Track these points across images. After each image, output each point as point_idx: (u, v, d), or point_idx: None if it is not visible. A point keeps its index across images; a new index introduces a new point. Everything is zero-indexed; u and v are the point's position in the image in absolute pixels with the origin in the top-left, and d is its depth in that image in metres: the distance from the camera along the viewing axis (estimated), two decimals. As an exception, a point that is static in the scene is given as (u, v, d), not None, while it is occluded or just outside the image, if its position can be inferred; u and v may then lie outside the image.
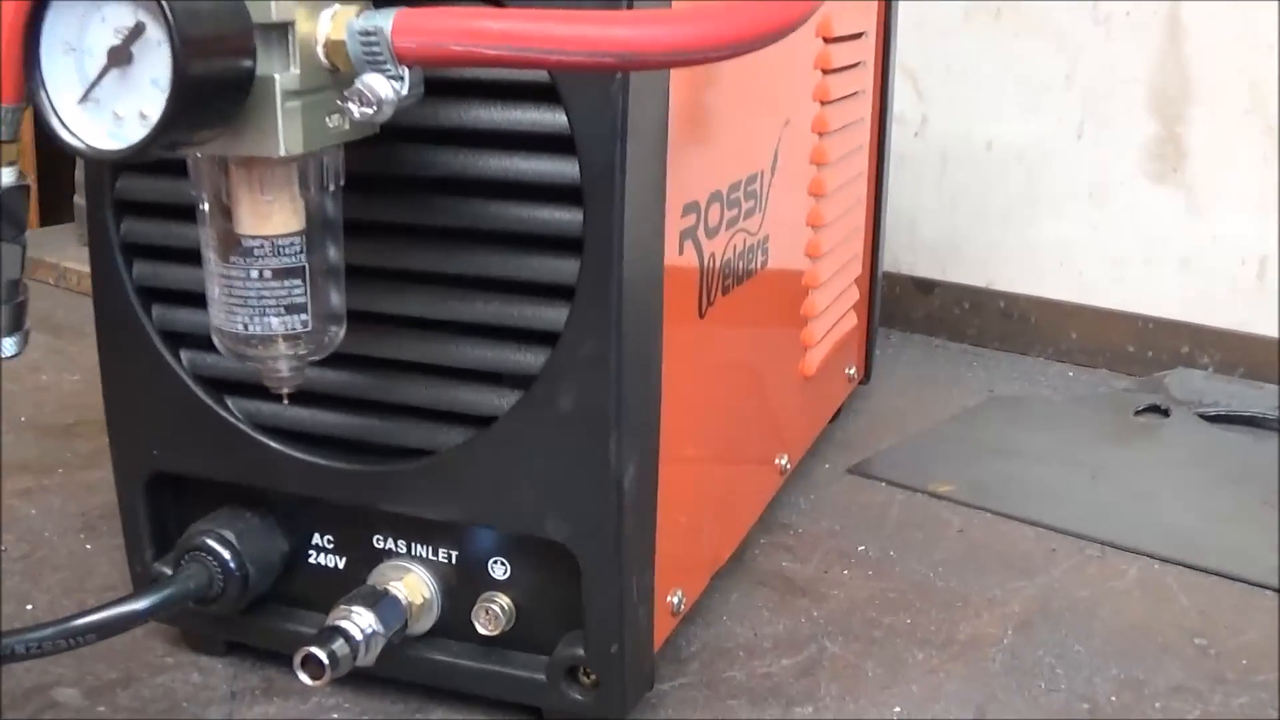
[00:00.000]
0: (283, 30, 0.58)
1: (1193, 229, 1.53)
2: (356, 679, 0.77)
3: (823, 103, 1.03)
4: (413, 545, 0.77)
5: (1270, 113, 1.45)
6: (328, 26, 0.59)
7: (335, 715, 0.79)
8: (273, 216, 0.62)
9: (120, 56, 0.55)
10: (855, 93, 1.14)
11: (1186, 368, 1.53)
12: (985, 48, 1.61)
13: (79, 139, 0.56)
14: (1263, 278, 1.49)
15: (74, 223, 1.78)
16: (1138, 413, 1.40)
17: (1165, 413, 1.40)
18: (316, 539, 0.79)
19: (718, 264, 0.82)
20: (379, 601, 0.74)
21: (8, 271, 0.66)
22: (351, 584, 0.77)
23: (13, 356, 0.67)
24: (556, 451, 0.70)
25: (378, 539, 0.77)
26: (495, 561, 0.76)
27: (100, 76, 0.56)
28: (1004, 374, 1.55)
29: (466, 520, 0.74)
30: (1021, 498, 1.15)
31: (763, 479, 1.03)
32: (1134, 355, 1.57)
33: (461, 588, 0.77)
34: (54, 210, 1.95)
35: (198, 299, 0.67)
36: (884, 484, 1.18)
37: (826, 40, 1.02)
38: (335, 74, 0.60)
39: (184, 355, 0.77)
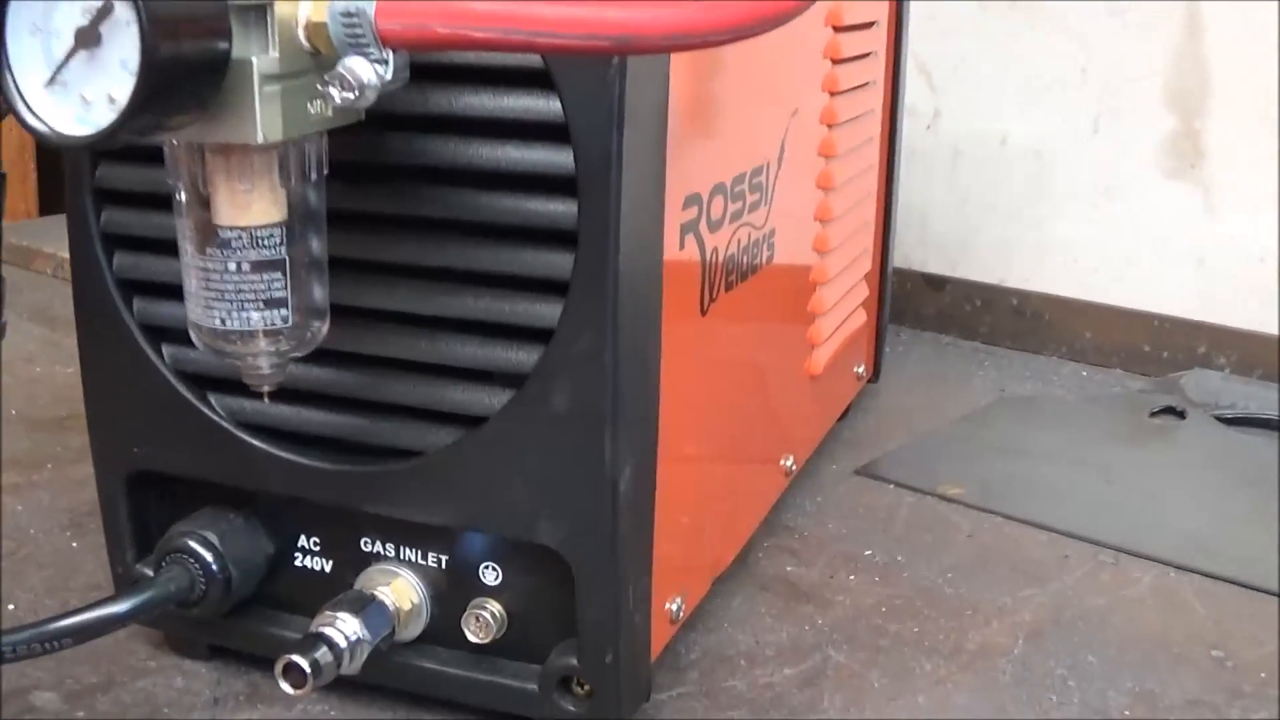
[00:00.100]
0: (261, 11, 0.55)
1: (1210, 226, 1.50)
2: (343, 685, 0.74)
3: (832, 93, 1.01)
4: (401, 549, 0.74)
5: (1291, 109, 1.42)
6: (308, 7, 0.56)
7: (320, 723, 0.77)
8: (251, 206, 0.59)
9: (88, 37, 0.52)
10: (866, 84, 1.12)
11: (1203, 368, 1.50)
12: (999, 40, 1.58)
13: (44, 124, 0.54)
14: (1282, 277, 1.46)
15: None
16: (1153, 414, 1.38)
17: (1181, 414, 1.37)
18: (302, 541, 0.77)
19: (721, 259, 0.79)
20: (365, 607, 0.71)
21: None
22: (338, 587, 0.74)
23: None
24: (550, 453, 0.68)
25: (365, 542, 0.75)
26: (486, 566, 0.73)
27: (67, 58, 0.53)
28: (1016, 373, 1.53)
29: (456, 524, 0.71)
30: (1033, 501, 1.12)
31: (767, 480, 1.00)
32: (1149, 355, 1.54)
33: (451, 593, 0.74)
34: (54, 200, 1.93)
35: (180, 292, 0.64)
36: (892, 485, 1.15)
37: (836, 29, 0.99)
38: (317, 57, 0.57)
39: (165, 350, 0.74)
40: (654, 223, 0.68)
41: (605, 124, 0.63)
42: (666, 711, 0.79)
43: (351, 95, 0.56)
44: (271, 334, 0.62)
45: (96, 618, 0.70)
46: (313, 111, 0.58)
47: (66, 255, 0.76)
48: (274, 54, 0.55)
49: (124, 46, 0.52)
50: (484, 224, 0.66)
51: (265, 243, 0.60)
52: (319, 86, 0.57)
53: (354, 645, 0.69)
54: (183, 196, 0.60)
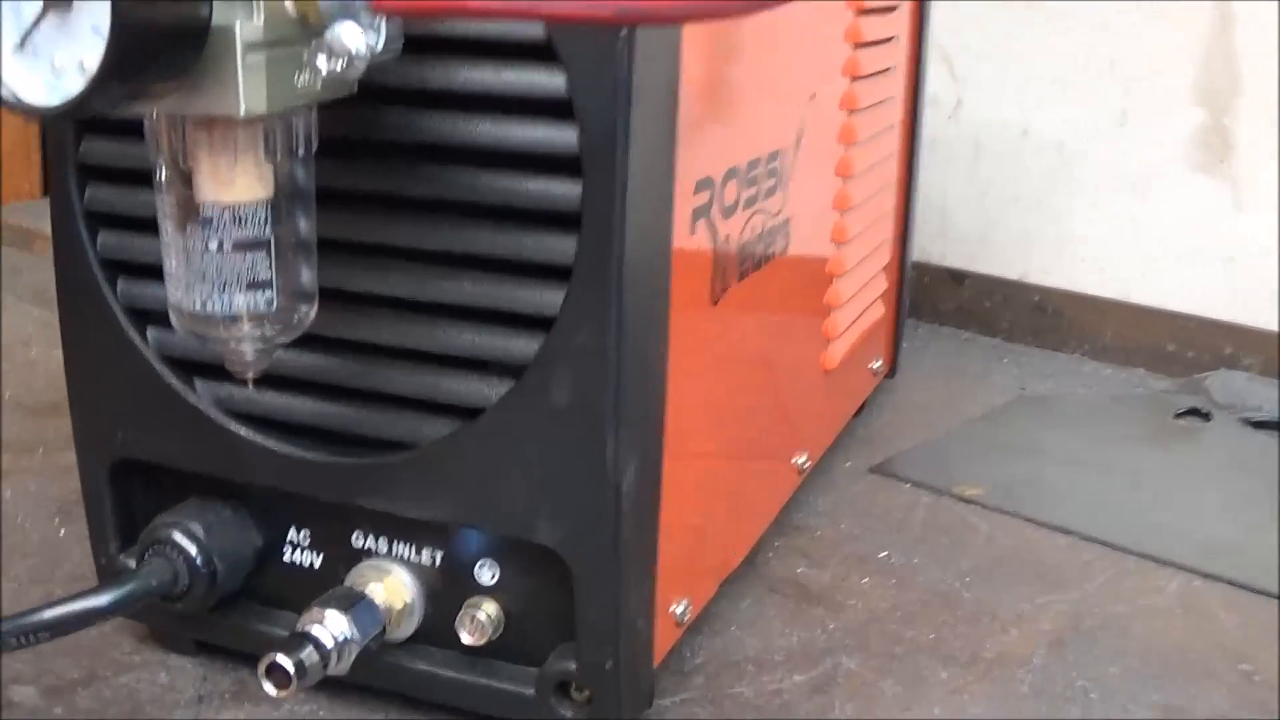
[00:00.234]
0: (244, -27, 0.52)
1: (1238, 224, 1.46)
2: (332, 685, 0.72)
3: (853, 78, 0.97)
4: (394, 544, 0.71)
5: (1325, 103, 1.39)
6: (296, -29, 0.53)
7: (308, 725, 0.74)
8: (235, 182, 0.56)
9: (58, -1, 0.49)
10: (887, 69, 1.08)
11: (1229, 369, 1.46)
12: (1024, 29, 1.55)
13: (11, 91, 0.51)
14: (1312, 276, 1.43)
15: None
16: (1177, 416, 1.34)
17: (1206, 416, 1.34)
18: (292, 535, 0.73)
19: (734, 246, 0.76)
20: (354, 605, 0.68)
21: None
22: (329, 583, 0.71)
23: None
24: (549, 447, 0.65)
25: (357, 536, 0.72)
26: (483, 565, 0.70)
27: (37, 21, 0.50)
28: (1036, 371, 1.49)
29: (450, 520, 0.68)
30: (1054, 503, 1.09)
31: (778, 478, 0.96)
32: (1173, 355, 1.51)
33: (446, 592, 0.71)
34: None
35: (164, 273, 0.62)
36: (908, 485, 1.12)
37: (858, 12, 0.96)
38: (304, 25, 0.54)
39: (150, 333, 0.71)
40: (663, 206, 0.65)
41: (612, 100, 0.59)
42: (669, 719, 0.76)
43: (340, 66, 0.53)
44: (255, 318, 0.59)
45: (75, 611, 0.68)
46: (300, 83, 0.55)
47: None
48: (258, 21, 0.52)
49: (95, 10, 0.48)
50: (483, 205, 0.63)
51: (249, 221, 0.57)
52: (306, 57, 0.54)
53: (342, 645, 0.66)
54: (163, 172, 0.57)
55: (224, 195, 0.56)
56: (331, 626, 0.66)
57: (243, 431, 0.70)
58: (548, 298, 0.63)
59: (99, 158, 0.70)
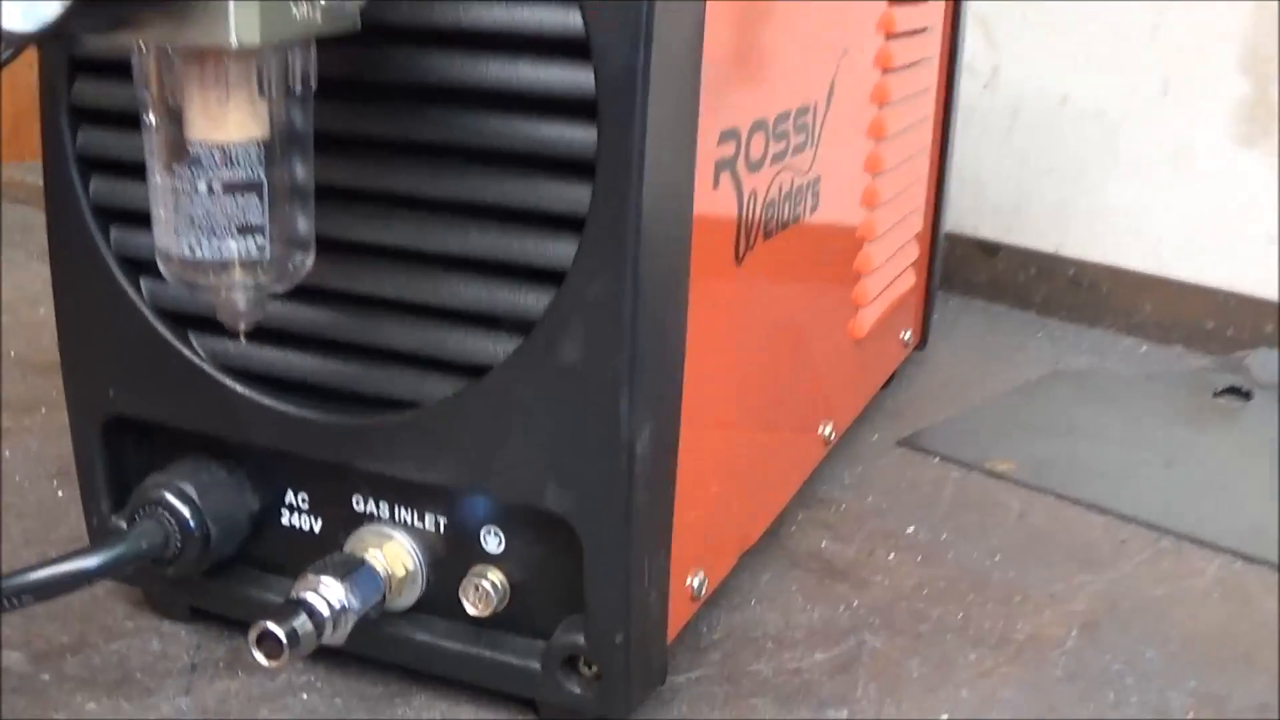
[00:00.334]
0: (236, -110, 0.48)
1: (1283, 198, 1.42)
2: (330, 655, 0.69)
3: (888, 35, 0.93)
4: (396, 509, 0.68)
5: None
6: (292, -110, 0.49)
7: (304, 695, 0.71)
8: (227, 120, 0.53)
9: (32, -89, 0.46)
10: (924, 28, 1.04)
11: (1270, 348, 1.42)
12: (1065, -6, 1.50)
13: (-20, 13, 0.47)
14: (1359, 252, 1.38)
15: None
16: (1216, 394, 1.30)
17: (1246, 395, 1.30)
18: (290, 497, 0.70)
19: (759, 203, 0.72)
20: (353, 572, 0.65)
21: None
22: (328, 549, 0.68)
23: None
24: (559, 408, 0.61)
25: (357, 500, 0.68)
26: (489, 532, 0.66)
27: (10, -63, 0.47)
28: (1071, 346, 1.45)
29: (454, 483, 0.65)
30: (1088, 481, 1.05)
31: (803, 449, 0.93)
32: (1213, 332, 1.47)
33: (450, 559, 0.68)
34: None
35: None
36: (938, 459, 1.08)
37: (894, -36, 0.92)
38: (302, -51, 0.50)
39: (144, 284, 0.68)
40: (684, 156, 0.61)
41: (631, 39, 0.56)
42: (682, 696, 0.73)
43: (338, -8, 0.49)
44: (247, 265, 0.55)
45: (61, 573, 0.65)
46: (298, 15, 0.52)
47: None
48: (251, -58, 0.49)
49: (72, -77, 0.45)
50: (492, 150, 0.59)
51: (240, 161, 0.53)
52: (303, -17, 0.50)
53: (338, 614, 0.63)
54: (152, 109, 0.54)
55: (215, 134, 0.53)
56: (327, 594, 0.63)
57: (239, 388, 0.67)
58: (559, 250, 0.59)
59: (93, 100, 0.66)
